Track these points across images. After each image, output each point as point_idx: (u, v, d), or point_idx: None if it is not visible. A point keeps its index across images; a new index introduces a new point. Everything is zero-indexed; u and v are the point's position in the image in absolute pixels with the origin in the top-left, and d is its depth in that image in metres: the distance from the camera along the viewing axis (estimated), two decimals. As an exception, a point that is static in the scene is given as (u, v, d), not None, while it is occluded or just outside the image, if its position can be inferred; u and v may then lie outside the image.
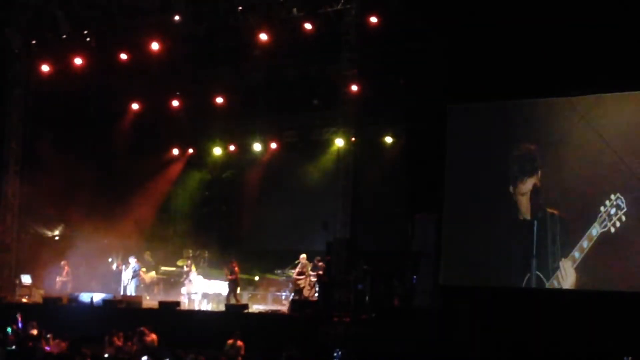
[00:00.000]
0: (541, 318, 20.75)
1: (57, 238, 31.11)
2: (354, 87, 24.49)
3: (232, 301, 25.49)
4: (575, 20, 21.27)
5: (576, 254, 21.75)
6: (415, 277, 24.40)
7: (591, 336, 19.73)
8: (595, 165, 21.77)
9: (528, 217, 22.65)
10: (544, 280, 22.15)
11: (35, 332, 21.90)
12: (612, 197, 21.33)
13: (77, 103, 30.17)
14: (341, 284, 23.41)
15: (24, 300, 27.78)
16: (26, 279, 28.60)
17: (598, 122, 21.88)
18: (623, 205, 21.16)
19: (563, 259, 21.94)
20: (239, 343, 20.58)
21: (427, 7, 23.67)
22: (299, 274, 25.74)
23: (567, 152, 22.27)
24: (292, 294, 26.13)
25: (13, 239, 29.39)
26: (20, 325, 22.94)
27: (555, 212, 22.21)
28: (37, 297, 27.76)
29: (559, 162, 22.35)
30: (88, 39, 28.09)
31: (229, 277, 25.94)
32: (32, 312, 25.72)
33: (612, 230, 21.29)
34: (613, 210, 21.28)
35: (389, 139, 28.06)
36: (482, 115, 23.90)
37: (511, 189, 22.94)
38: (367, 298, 23.83)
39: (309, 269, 25.79)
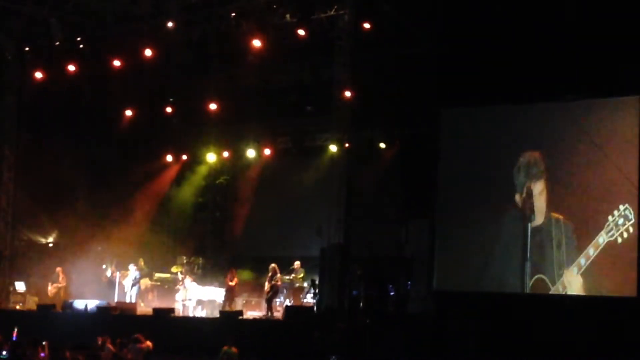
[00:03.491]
0: (536, 323, 20.79)
1: (51, 245, 31.03)
2: (348, 93, 24.49)
3: (227, 308, 25.50)
4: (569, 24, 21.34)
5: (582, 260, 21.78)
6: (409, 282, 24.45)
7: (586, 341, 19.77)
8: (594, 172, 21.82)
9: (528, 222, 22.66)
10: (549, 285, 22.18)
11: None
12: (621, 207, 21.37)
13: (70, 110, 30.10)
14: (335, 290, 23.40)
15: (18, 307, 27.72)
16: (20, 286, 28.54)
17: (591, 127, 21.93)
18: (631, 217, 21.20)
19: (569, 265, 21.98)
20: (233, 349, 20.55)
21: (419, 12, 23.73)
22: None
23: (562, 158, 22.31)
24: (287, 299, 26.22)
25: (7, 246, 29.30)
26: (14, 339, 22.80)
27: (561, 217, 22.21)
28: (31, 304, 27.70)
29: (557, 168, 22.38)
30: (81, 46, 28.03)
31: (230, 283, 25.87)
32: (25, 319, 25.69)
33: (619, 240, 21.34)
34: (621, 221, 21.32)
35: (382, 145, 28.06)
36: (476, 120, 23.95)
37: (509, 194, 22.97)
38: (361, 304, 23.85)
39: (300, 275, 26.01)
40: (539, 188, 22.65)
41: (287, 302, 26.11)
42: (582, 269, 21.74)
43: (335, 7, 24.52)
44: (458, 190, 23.73)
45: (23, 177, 29.47)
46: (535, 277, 22.33)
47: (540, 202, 22.60)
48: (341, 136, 24.77)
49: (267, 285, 25.32)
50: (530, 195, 22.70)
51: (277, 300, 26.81)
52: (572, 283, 21.86)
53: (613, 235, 21.39)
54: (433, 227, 23.95)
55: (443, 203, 23.91)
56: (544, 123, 22.74)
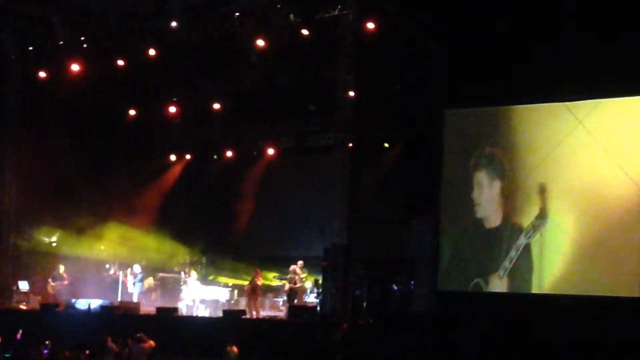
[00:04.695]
0: (538, 323, 20.80)
1: (54, 244, 31.04)
2: (351, 93, 24.49)
3: (252, 309, 25.43)
4: (572, 25, 21.34)
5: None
6: (412, 282, 24.46)
7: (591, 339, 19.78)
8: (595, 169, 21.84)
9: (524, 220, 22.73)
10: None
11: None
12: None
13: (73, 110, 30.13)
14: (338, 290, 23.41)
15: (21, 306, 27.74)
16: (23, 286, 28.55)
17: (595, 127, 21.94)
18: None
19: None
20: (234, 349, 20.59)
21: (423, 13, 23.72)
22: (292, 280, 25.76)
23: (565, 157, 22.31)
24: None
25: (10, 245, 29.31)
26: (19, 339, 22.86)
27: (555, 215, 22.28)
28: (35, 303, 27.71)
29: (557, 167, 22.39)
30: (84, 46, 28.04)
31: (258, 283, 25.74)
32: (29, 318, 25.76)
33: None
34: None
35: (385, 145, 28.09)
36: (479, 120, 23.94)
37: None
38: (364, 304, 23.89)
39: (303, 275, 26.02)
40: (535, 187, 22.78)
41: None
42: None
43: (339, 7, 24.50)
44: (460, 190, 23.73)
45: (26, 177, 29.47)
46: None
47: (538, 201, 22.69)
48: (344, 136, 24.75)
49: (287, 286, 25.29)
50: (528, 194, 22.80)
51: (281, 299, 26.86)
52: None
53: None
54: (436, 227, 23.94)
55: (446, 203, 23.91)
56: (541, 122, 22.76)
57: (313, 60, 27.26)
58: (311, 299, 25.55)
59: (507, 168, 22.93)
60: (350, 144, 24.86)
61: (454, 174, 23.94)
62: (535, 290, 22.11)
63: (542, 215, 22.05)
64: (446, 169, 24.06)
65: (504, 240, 22.64)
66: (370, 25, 24.27)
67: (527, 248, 22.25)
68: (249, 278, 25.92)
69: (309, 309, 23.95)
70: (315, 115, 28.82)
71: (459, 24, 23.00)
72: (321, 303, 24.15)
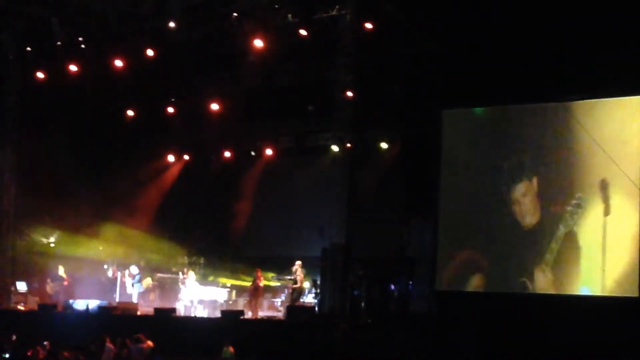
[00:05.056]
0: (538, 323, 20.77)
1: (52, 245, 31.04)
2: (350, 93, 24.48)
3: (254, 310, 25.41)
4: (570, 24, 21.33)
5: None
6: (411, 282, 24.45)
7: (589, 340, 19.75)
8: (591, 168, 21.82)
9: (526, 220, 22.66)
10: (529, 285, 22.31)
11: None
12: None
13: (72, 110, 30.13)
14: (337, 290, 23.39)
15: (20, 307, 27.72)
16: (21, 286, 28.55)
17: (592, 127, 21.92)
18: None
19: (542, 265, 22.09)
20: (230, 349, 20.59)
21: (422, 12, 23.71)
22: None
23: (561, 157, 22.29)
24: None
25: (8, 246, 29.31)
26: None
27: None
28: (33, 304, 27.70)
29: (555, 166, 22.37)
30: (83, 46, 28.04)
31: (260, 284, 25.72)
32: (27, 319, 25.75)
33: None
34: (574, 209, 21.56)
35: (384, 145, 28.09)
36: (477, 120, 23.93)
37: (506, 193, 22.95)
38: (363, 304, 23.86)
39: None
40: (531, 187, 22.63)
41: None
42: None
43: (337, 7, 24.50)
44: (460, 190, 23.71)
45: (25, 177, 29.47)
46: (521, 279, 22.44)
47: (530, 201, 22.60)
48: (343, 136, 24.75)
49: (293, 285, 25.26)
50: (528, 194, 22.71)
51: (279, 300, 26.84)
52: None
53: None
54: (435, 227, 23.91)
55: (445, 203, 23.88)
56: (539, 122, 22.73)
57: (312, 61, 27.26)
58: (309, 299, 25.51)
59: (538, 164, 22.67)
60: (349, 144, 24.86)
61: (453, 173, 23.89)
62: (583, 282, 21.64)
63: (579, 204, 21.73)
64: (445, 168, 24.02)
65: (543, 235, 22.36)
66: (369, 25, 24.28)
67: (568, 237, 21.97)
68: (248, 278, 25.91)
69: (307, 309, 23.92)
70: (314, 115, 28.82)
71: (457, 23, 22.97)
72: (319, 303, 24.12)
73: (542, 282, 21.92)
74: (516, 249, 22.60)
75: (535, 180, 22.53)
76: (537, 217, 22.43)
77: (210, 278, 29.43)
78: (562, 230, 21.64)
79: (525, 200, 22.63)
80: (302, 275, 25.07)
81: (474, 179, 23.54)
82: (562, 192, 22.10)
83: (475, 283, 22.99)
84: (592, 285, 21.36)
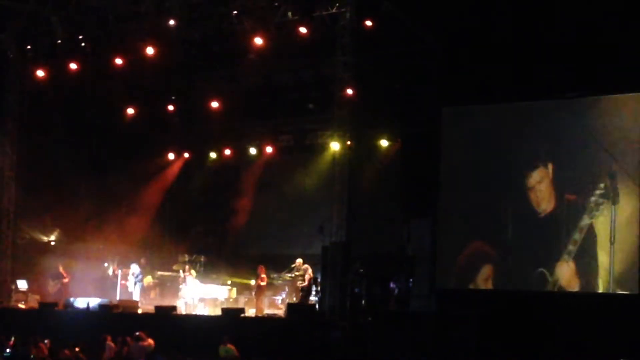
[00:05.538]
0: (538, 321, 20.78)
1: (52, 243, 31.05)
2: (349, 91, 24.46)
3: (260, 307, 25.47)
4: (572, 21, 21.34)
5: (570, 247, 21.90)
6: (411, 280, 24.43)
7: (590, 338, 19.76)
8: (591, 166, 21.82)
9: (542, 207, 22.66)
10: (548, 277, 22.26)
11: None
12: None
13: (72, 108, 30.14)
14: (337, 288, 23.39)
15: (20, 305, 27.73)
16: (22, 285, 28.55)
17: (594, 124, 21.93)
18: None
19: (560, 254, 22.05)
20: (229, 346, 20.61)
21: (421, 10, 23.70)
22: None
23: (562, 153, 22.29)
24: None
25: (9, 244, 29.32)
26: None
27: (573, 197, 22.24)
28: (33, 302, 27.70)
29: (556, 162, 22.37)
30: (83, 44, 28.03)
31: (261, 283, 25.70)
32: (27, 317, 25.75)
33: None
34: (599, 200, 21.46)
35: (384, 143, 28.10)
36: (477, 118, 23.93)
37: (510, 191, 22.95)
38: (363, 302, 23.85)
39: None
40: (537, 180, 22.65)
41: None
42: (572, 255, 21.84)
43: (337, 4, 24.47)
44: (460, 188, 23.73)
45: (25, 176, 29.48)
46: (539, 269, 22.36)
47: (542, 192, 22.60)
48: (343, 134, 24.75)
49: (301, 283, 25.24)
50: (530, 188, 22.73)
51: (280, 297, 26.85)
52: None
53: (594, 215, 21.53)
54: (435, 224, 23.92)
55: (445, 201, 23.89)
56: (547, 121, 22.72)
57: (311, 59, 27.30)
58: (310, 297, 25.47)
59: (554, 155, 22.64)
60: (349, 142, 24.86)
61: (453, 171, 23.89)
62: (603, 272, 21.50)
63: (604, 194, 21.64)
64: (445, 166, 24.02)
65: (562, 224, 22.19)
66: (369, 23, 24.27)
67: (592, 228, 21.81)
68: (248, 276, 25.91)
69: (308, 307, 23.92)
70: (313, 113, 28.83)
71: (457, 21, 22.98)
72: (320, 301, 24.13)
73: (565, 273, 21.91)
74: (531, 239, 22.60)
75: (550, 167, 22.52)
76: (553, 204, 22.42)
77: (210, 276, 29.41)
78: (586, 220, 21.57)
79: (540, 187, 22.62)
80: (311, 274, 25.06)
81: (473, 177, 23.56)
82: (578, 181, 22.08)
83: (484, 276, 23.00)
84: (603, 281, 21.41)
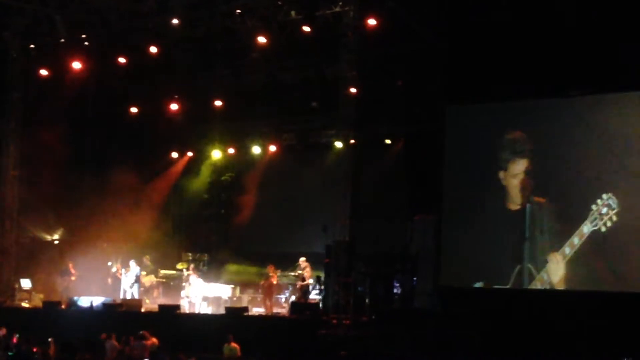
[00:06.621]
0: (540, 319, 20.75)
1: (56, 242, 31.08)
2: (353, 89, 24.45)
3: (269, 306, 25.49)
4: (574, 19, 21.30)
5: (567, 249, 21.75)
6: (414, 279, 24.41)
7: (590, 336, 19.73)
8: (592, 164, 21.78)
9: (519, 207, 22.64)
10: (534, 272, 22.24)
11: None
12: (604, 196, 21.34)
13: (75, 107, 30.15)
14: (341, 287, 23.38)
15: (24, 304, 27.74)
16: (26, 283, 28.57)
17: (596, 122, 21.90)
18: (614, 206, 21.16)
19: (553, 253, 21.98)
20: (232, 345, 20.60)
21: (425, 8, 23.69)
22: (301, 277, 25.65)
23: (564, 151, 22.26)
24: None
25: (12, 243, 29.35)
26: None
27: (542, 201, 22.20)
28: (37, 301, 27.72)
29: (556, 159, 22.34)
30: (86, 43, 28.07)
31: (273, 281, 25.67)
32: (31, 316, 25.75)
33: (603, 229, 21.30)
34: (604, 210, 21.28)
35: (388, 141, 28.08)
36: (481, 116, 23.89)
37: (502, 178, 22.98)
38: (366, 300, 23.85)
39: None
40: (527, 174, 22.63)
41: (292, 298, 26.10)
42: (567, 258, 21.78)
43: (341, 3, 24.48)
44: (463, 186, 23.69)
45: (28, 174, 29.50)
46: (527, 265, 22.34)
47: (529, 188, 22.60)
48: (346, 133, 24.75)
49: (301, 282, 25.21)
50: (523, 181, 22.72)
51: (283, 296, 26.85)
52: (557, 271, 21.92)
53: (597, 224, 21.37)
54: (438, 223, 23.90)
55: (448, 199, 23.86)
56: (543, 118, 22.70)
57: (315, 57, 27.29)
58: (313, 295, 25.50)
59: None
60: (353, 141, 24.85)
61: (457, 170, 23.87)
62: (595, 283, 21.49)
63: (609, 205, 21.60)
64: (449, 165, 23.99)
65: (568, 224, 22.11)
66: (372, 22, 24.25)
67: (594, 235, 21.59)
68: (252, 275, 25.88)
69: (311, 306, 23.92)
70: (317, 112, 28.83)
71: (461, 19, 22.95)
72: (324, 300, 24.12)
73: (566, 273, 21.87)
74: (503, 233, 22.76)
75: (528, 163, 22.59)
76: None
77: (214, 275, 29.42)
78: (588, 227, 21.53)
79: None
80: (310, 272, 25.05)
81: (477, 175, 23.54)
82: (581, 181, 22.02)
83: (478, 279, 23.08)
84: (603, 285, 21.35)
